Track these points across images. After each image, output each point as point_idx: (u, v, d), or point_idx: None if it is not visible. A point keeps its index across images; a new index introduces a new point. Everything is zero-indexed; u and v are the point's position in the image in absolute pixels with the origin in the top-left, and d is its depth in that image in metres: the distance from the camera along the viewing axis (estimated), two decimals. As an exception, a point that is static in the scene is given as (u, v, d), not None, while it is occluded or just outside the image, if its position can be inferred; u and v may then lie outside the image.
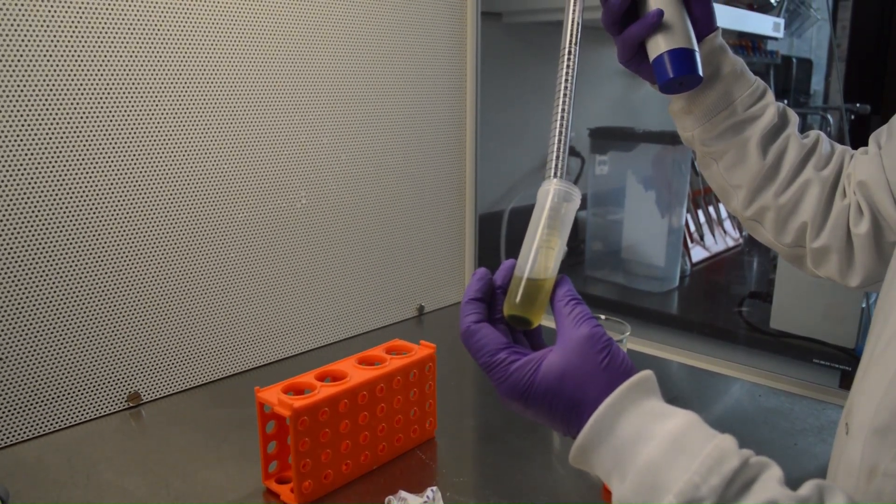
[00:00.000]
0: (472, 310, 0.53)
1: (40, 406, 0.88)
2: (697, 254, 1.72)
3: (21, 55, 0.80)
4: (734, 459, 0.41)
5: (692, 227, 1.73)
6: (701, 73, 0.68)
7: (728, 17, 1.59)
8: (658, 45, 0.68)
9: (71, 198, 0.87)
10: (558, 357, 0.49)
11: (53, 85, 0.83)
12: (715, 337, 1.34)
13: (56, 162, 0.85)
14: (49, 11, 0.82)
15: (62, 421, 0.90)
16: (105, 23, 0.86)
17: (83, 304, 0.90)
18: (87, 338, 0.91)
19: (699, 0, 0.70)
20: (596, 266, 1.72)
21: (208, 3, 0.96)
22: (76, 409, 0.91)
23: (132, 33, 0.89)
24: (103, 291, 0.91)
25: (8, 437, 0.86)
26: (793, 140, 0.73)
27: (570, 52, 0.59)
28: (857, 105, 2.03)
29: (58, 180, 0.85)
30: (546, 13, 1.46)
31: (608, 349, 0.49)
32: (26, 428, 0.87)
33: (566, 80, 0.58)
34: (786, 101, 2.14)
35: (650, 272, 1.63)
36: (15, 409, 0.86)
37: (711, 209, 1.81)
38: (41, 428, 0.88)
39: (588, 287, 1.66)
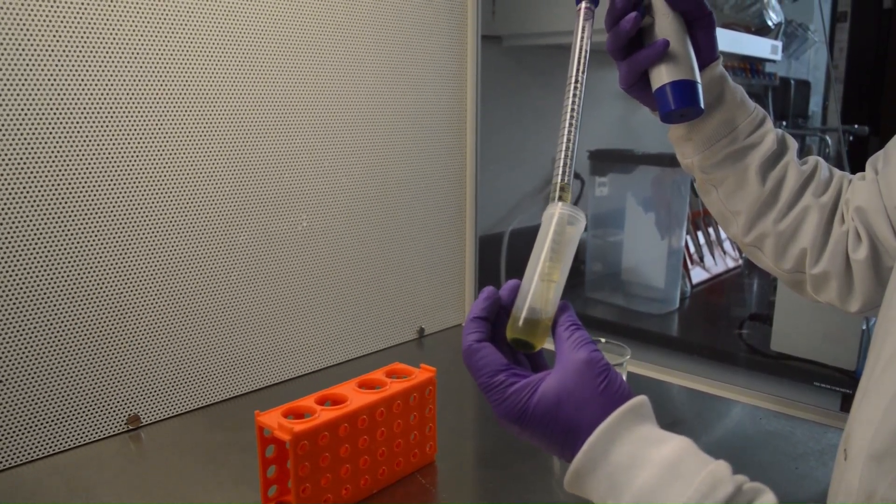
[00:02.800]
0: (476, 328, 0.53)
1: (39, 428, 0.87)
2: (697, 275, 1.72)
3: (24, 70, 0.81)
4: (728, 485, 0.42)
5: (692, 249, 1.74)
6: (703, 105, 0.68)
7: (726, 41, 1.61)
8: (661, 76, 0.68)
9: (71, 220, 0.87)
10: (555, 381, 0.49)
11: (55, 106, 0.84)
12: (715, 359, 1.34)
13: (57, 183, 0.85)
14: (51, 27, 0.83)
15: (61, 444, 0.90)
16: (111, 42, 0.87)
17: (83, 325, 0.90)
18: (87, 360, 0.90)
19: (703, 29, 0.71)
20: (596, 288, 1.72)
21: (211, 26, 0.97)
22: (75, 431, 0.91)
23: (138, 54, 0.90)
24: (103, 313, 0.91)
25: (7, 460, 0.85)
26: (791, 167, 0.73)
27: (577, 81, 0.60)
28: (856, 126, 2.04)
29: (59, 201, 0.86)
30: (546, 37, 1.48)
31: (606, 373, 0.49)
32: (25, 450, 0.87)
33: (573, 109, 0.59)
34: (784, 123, 2.15)
35: (650, 294, 1.63)
36: (14, 432, 0.85)
37: (711, 230, 1.82)
38: (40, 451, 0.88)
39: (588, 309, 1.66)
